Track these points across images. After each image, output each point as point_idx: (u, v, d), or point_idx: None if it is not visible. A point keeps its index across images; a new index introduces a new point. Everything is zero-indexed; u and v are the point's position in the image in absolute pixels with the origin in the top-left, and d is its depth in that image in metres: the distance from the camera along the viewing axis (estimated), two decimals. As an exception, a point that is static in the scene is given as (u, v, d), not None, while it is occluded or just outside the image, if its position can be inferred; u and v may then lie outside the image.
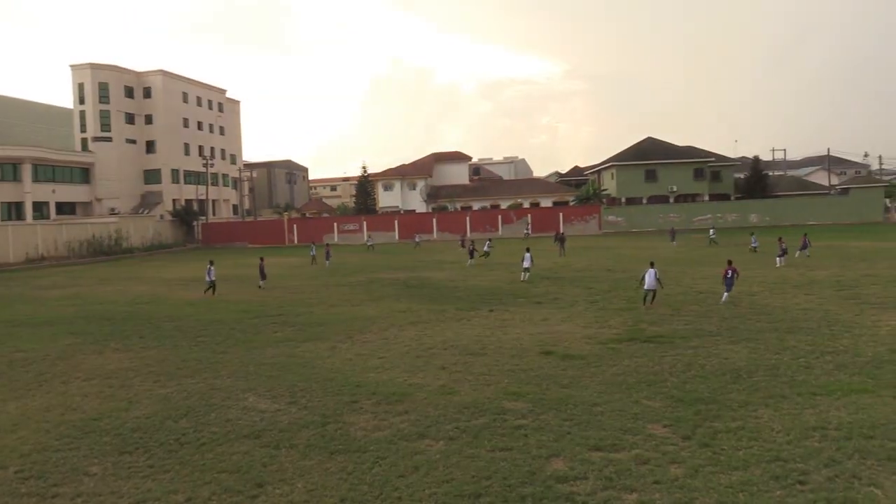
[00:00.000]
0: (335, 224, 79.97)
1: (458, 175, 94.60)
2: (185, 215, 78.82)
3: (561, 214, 75.85)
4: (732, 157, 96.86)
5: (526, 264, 31.77)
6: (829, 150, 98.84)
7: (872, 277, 28.14)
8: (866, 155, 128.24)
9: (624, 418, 11.48)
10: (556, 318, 21.02)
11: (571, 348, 16.72)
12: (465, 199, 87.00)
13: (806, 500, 8.52)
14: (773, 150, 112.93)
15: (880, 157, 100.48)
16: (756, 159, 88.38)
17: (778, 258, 34.63)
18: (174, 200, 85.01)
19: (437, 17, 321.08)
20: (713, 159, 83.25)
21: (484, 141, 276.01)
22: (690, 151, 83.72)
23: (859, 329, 17.80)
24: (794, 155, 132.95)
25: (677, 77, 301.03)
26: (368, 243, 67.46)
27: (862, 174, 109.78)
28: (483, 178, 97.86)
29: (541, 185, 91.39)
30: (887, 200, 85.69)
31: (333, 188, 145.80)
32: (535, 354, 16.19)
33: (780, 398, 12.23)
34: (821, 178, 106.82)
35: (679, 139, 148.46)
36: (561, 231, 58.56)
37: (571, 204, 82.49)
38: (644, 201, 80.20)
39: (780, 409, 11.73)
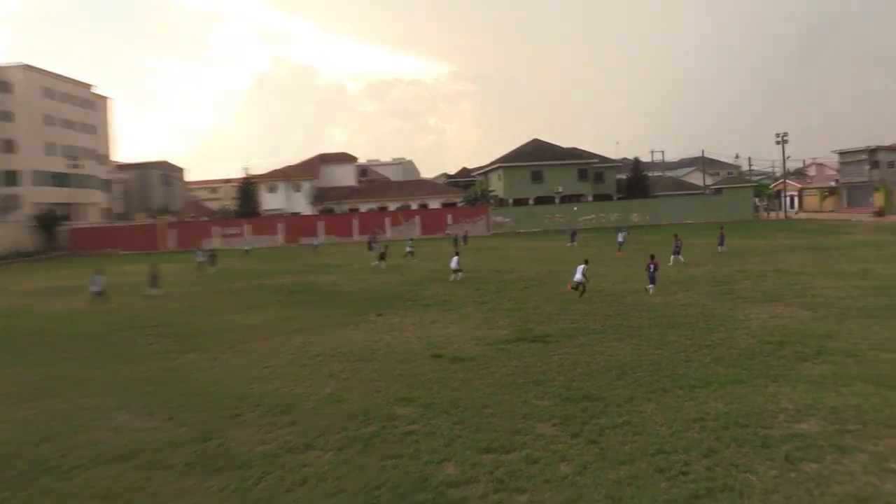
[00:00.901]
0: (216, 228, 77.35)
1: (344, 176, 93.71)
2: (47, 221, 73.88)
3: (449, 216, 76.61)
4: (614, 158, 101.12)
5: (454, 265, 32.27)
6: (703, 151, 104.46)
7: (744, 273, 30.04)
8: (737, 157, 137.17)
9: (514, 419, 11.62)
10: (446, 321, 21.12)
11: (461, 350, 16.81)
12: (352, 201, 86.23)
13: (688, 490, 8.89)
14: (653, 152, 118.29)
15: (749, 158, 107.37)
16: (636, 161, 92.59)
17: (672, 256, 36.04)
18: (36, 205, 79.50)
19: (318, 16, 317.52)
20: (596, 160, 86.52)
21: (371, 142, 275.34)
22: (575, 153, 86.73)
23: (733, 323, 18.90)
24: (672, 156, 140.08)
25: (562, 79, 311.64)
26: (247, 248, 65.53)
27: (733, 175, 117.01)
28: (371, 180, 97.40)
29: (429, 187, 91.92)
30: (756, 199, 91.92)
31: (214, 190, 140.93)
32: (425, 358, 16.16)
33: (663, 392, 12.76)
34: (696, 178, 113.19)
35: (564, 141, 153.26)
36: (465, 231, 59.42)
37: (460, 205, 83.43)
38: (531, 202, 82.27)
39: (662, 402, 12.23)
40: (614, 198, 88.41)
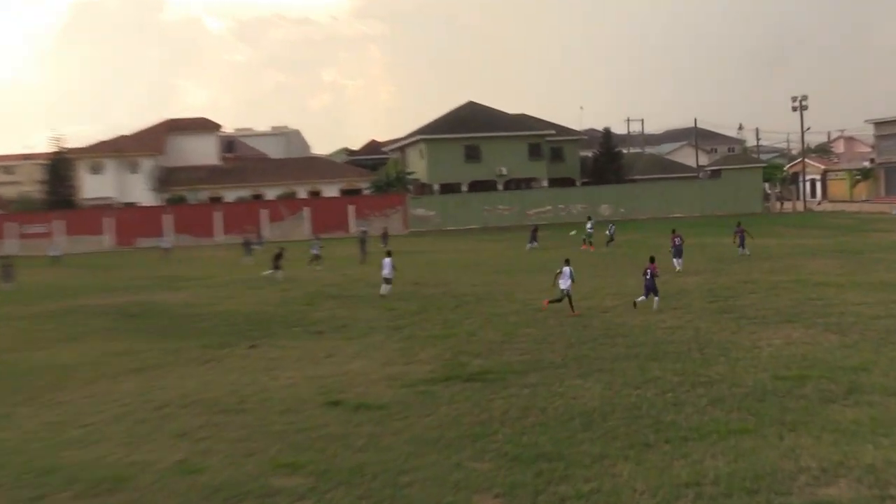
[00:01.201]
0: (11, 225, 75.01)
1: (203, 151, 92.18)
2: None
3: (352, 207, 76.60)
4: (578, 129, 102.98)
5: (385, 272, 32.32)
6: (696, 121, 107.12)
7: (750, 285, 30.94)
8: (741, 128, 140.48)
9: (442, 489, 11.59)
10: (346, 354, 21.03)
11: (367, 395, 16.71)
12: (213, 187, 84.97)
13: (679, 583, 9.04)
14: (628, 121, 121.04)
15: (757, 130, 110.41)
16: (607, 133, 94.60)
17: (675, 260, 36.81)
18: None
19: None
20: (553, 132, 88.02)
21: (242, 104, 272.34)
22: (524, 122, 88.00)
23: (736, 351, 19.43)
24: (655, 127, 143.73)
25: (507, 20, 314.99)
26: (54, 253, 63.12)
27: (736, 152, 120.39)
28: (240, 157, 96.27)
29: (323, 167, 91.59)
30: (766, 185, 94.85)
31: (8, 171, 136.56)
32: (317, 406, 16.00)
33: (644, 447, 12.95)
34: (687, 156, 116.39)
35: (510, 105, 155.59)
36: (384, 228, 59.53)
37: (366, 192, 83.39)
38: (464, 188, 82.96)
39: (643, 461, 12.41)
40: (577, 182, 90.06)
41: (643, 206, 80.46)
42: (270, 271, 40.64)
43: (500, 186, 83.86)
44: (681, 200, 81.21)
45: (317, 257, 47.02)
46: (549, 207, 79.86)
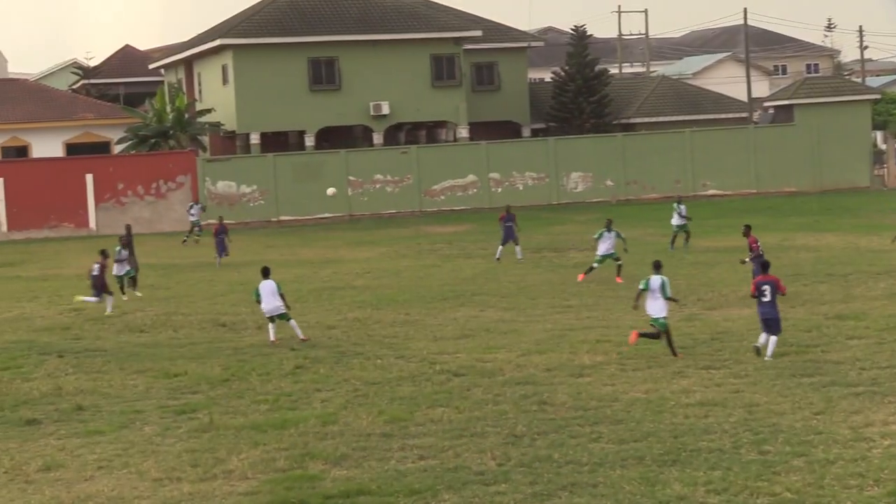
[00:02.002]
0: None
1: None
2: None
3: (90, 177, 75.51)
4: (526, 29, 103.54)
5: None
6: (746, 12, 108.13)
7: (851, 322, 31.38)
8: (832, 28, 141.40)
9: None
10: (84, 462, 20.81)
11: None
12: None
13: None
14: (620, 13, 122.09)
15: (861, 29, 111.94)
16: (581, 36, 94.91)
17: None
18: None
19: None
20: (479, 33, 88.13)
21: None
22: (422, 15, 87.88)
23: (825, 446, 19.62)
24: (668, 26, 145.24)
25: None
26: None
27: (822, 73, 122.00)
28: None
29: (34, 98, 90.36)
30: (878, 135, 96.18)
31: None
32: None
33: None
34: (731, 80, 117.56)
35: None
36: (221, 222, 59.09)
37: (121, 150, 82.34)
38: (308, 142, 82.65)
39: None
40: (526, 131, 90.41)
41: (649, 176, 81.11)
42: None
43: (377, 138, 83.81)
44: (718, 165, 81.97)
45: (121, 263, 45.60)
46: (472, 178, 79.99)
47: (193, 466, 20.16)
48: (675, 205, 53.02)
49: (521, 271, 46.18)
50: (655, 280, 28.00)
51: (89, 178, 75.48)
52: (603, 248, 39.60)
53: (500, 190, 79.52)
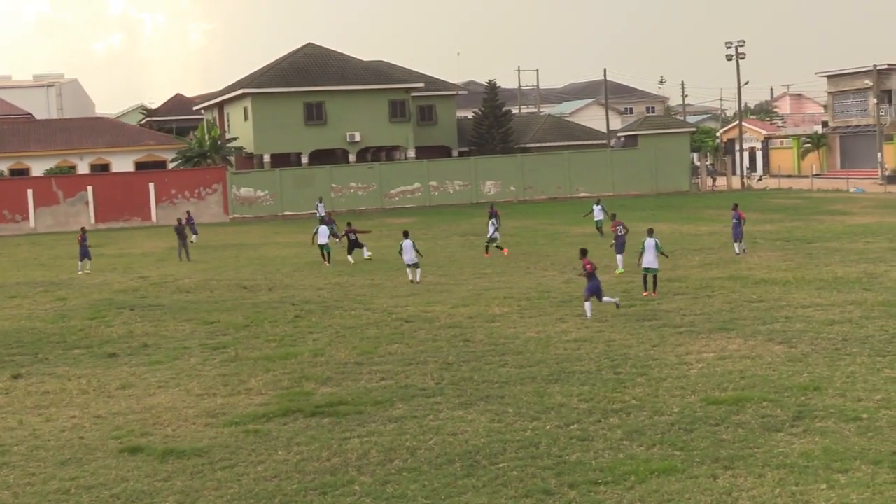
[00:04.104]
0: None
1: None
2: None
3: (152, 185, 75.07)
4: (454, 81, 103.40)
5: (409, 257, 35.07)
6: (605, 72, 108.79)
7: (676, 284, 31.70)
8: (662, 82, 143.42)
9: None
10: (149, 383, 20.83)
11: (179, 437, 16.49)
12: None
13: None
14: (520, 72, 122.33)
15: (683, 85, 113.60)
16: (492, 87, 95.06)
17: (618, 257, 36.54)
18: None
19: None
20: (422, 85, 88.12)
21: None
22: (383, 72, 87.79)
23: (659, 369, 19.94)
24: (553, 80, 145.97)
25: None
26: None
27: (657, 113, 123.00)
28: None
29: (112, 132, 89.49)
30: (694, 156, 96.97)
31: None
32: (111, 455, 15.70)
33: (544, 496, 13.14)
34: (595, 118, 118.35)
35: (364, 50, 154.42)
36: (188, 215, 58.21)
37: (173, 166, 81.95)
38: (304, 160, 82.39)
39: (543, 515, 12.62)
40: (454, 152, 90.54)
41: (540, 183, 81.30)
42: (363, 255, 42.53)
43: (351, 157, 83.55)
44: (587, 175, 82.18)
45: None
46: (417, 185, 79.98)
47: (224, 386, 20.31)
48: (593, 205, 51.68)
49: (452, 249, 46.16)
50: (650, 241, 29.73)
51: (151, 185, 75.15)
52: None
53: (436, 193, 79.41)
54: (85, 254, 42.33)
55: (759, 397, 17.35)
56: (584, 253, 27.83)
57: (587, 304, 26.46)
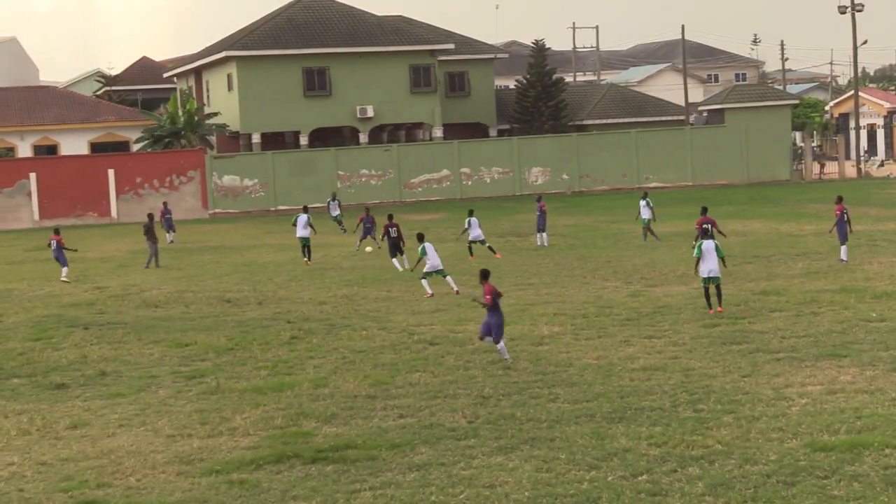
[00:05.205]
0: None
1: None
2: None
3: (112, 172, 75.30)
4: (491, 42, 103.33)
5: (434, 262, 36.02)
6: (683, 29, 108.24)
7: (773, 297, 31.57)
8: (757, 42, 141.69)
9: None
10: (107, 421, 20.88)
11: (144, 489, 16.56)
12: None
13: None
14: (574, 28, 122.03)
15: (782, 45, 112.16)
16: (540, 49, 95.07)
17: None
18: None
19: None
20: (451, 46, 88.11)
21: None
22: (402, 30, 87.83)
23: (751, 405, 19.85)
24: (615, 41, 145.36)
25: None
26: None
27: (749, 81, 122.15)
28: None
29: (62, 103, 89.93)
30: (797, 135, 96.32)
31: None
32: (59, 511, 15.77)
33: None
34: (670, 87, 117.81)
35: (379, 2, 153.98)
36: (166, 207, 58.61)
37: (139, 148, 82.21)
38: (303, 142, 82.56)
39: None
40: (492, 130, 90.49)
41: (599, 171, 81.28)
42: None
43: (363, 138, 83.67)
44: (660, 160, 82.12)
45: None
46: (445, 172, 79.98)
47: (202, 424, 20.31)
48: (641, 200, 50.63)
49: (488, 253, 46.18)
50: (709, 244, 29.62)
51: (111, 173, 75.38)
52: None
53: (469, 183, 79.67)
54: (61, 260, 42.97)
55: (880, 442, 17.11)
56: (485, 276, 25.44)
57: (500, 345, 24.88)
